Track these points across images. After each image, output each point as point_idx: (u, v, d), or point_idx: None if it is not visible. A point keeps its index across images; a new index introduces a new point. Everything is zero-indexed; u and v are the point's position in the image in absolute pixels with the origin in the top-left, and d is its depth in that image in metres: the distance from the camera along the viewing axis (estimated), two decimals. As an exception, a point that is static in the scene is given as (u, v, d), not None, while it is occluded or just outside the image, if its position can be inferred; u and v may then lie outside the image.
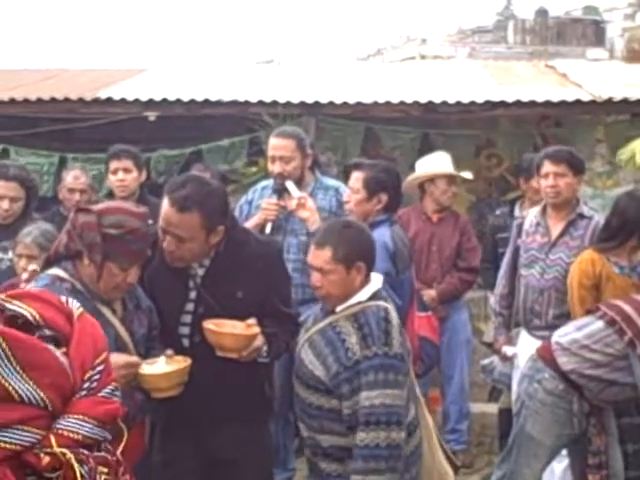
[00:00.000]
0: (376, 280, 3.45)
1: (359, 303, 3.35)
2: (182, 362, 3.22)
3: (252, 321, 3.39)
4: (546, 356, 4.34)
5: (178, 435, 3.51)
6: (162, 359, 3.20)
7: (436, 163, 6.23)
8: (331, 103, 8.23)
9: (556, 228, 5.08)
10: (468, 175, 6.32)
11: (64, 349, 1.98)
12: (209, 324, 3.35)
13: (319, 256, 3.33)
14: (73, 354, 1.98)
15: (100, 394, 1.98)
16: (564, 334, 4.31)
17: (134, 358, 3.14)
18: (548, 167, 5.00)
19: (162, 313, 3.45)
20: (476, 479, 5.91)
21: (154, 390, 3.18)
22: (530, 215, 5.26)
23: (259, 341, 3.40)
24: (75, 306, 2.09)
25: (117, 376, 2.96)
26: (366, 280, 3.40)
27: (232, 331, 3.35)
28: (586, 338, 4.21)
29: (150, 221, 3.28)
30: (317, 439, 3.39)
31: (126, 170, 5.56)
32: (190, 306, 3.50)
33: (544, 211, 5.17)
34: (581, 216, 5.05)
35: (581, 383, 4.21)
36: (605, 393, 4.21)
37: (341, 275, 3.32)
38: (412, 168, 6.37)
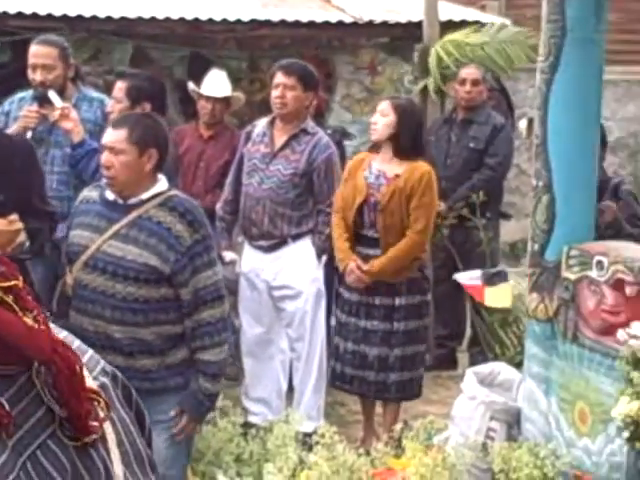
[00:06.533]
0: (163, 179, 3.54)
1: (162, 193, 3.45)
2: None
3: (14, 217, 3.36)
4: None
5: None
6: None
7: (204, 83, 6.30)
8: (94, 17, 8.00)
9: (280, 140, 5.22)
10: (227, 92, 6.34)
11: None
12: None
13: (113, 135, 3.38)
14: None
15: None
16: None
17: None
18: (279, 78, 5.14)
19: None
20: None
21: None
22: (260, 124, 5.37)
23: (22, 237, 3.37)
24: None
25: None
26: (155, 174, 3.49)
27: None
28: None
29: None
30: (138, 335, 3.40)
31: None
32: None
33: (272, 122, 5.29)
34: (305, 131, 5.21)
35: None
36: None
37: (133, 157, 3.38)
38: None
